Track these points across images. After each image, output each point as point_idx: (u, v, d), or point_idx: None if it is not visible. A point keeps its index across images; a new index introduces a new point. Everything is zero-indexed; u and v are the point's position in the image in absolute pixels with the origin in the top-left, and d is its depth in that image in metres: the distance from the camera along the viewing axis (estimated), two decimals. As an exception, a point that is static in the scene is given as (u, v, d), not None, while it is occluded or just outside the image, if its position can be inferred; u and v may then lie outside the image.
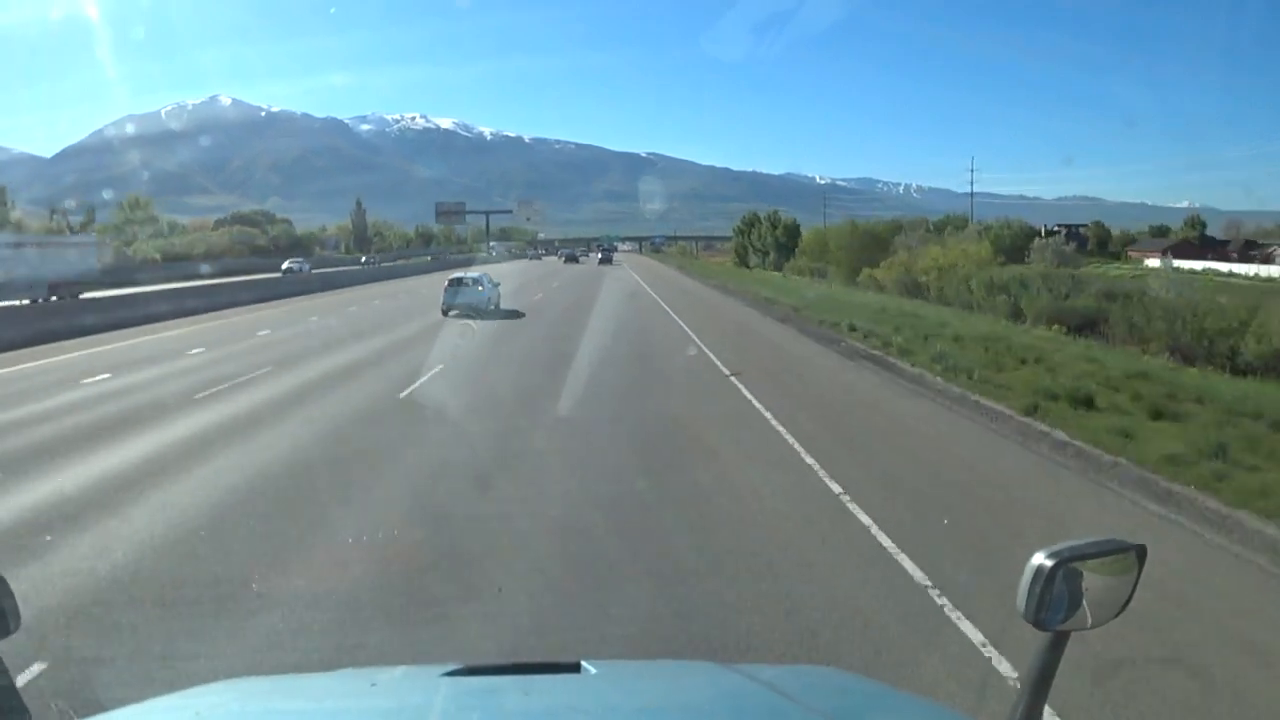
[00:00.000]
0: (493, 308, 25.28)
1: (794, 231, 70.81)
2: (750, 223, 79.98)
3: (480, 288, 25.30)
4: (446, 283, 25.47)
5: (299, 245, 78.94)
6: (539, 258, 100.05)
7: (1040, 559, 1.36)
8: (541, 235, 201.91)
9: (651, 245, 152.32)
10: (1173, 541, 6.22)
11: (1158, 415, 9.68)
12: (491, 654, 4.19)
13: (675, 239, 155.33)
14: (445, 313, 24.17)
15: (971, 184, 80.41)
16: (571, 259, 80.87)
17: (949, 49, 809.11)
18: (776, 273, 59.56)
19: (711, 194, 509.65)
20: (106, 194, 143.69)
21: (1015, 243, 52.58)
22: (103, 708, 1.61)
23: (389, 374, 13.71)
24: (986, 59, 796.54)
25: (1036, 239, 51.20)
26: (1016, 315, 24.41)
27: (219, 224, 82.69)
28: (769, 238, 71.81)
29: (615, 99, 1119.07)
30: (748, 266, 72.47)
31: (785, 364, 16.11)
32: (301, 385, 12.79)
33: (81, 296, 29.14)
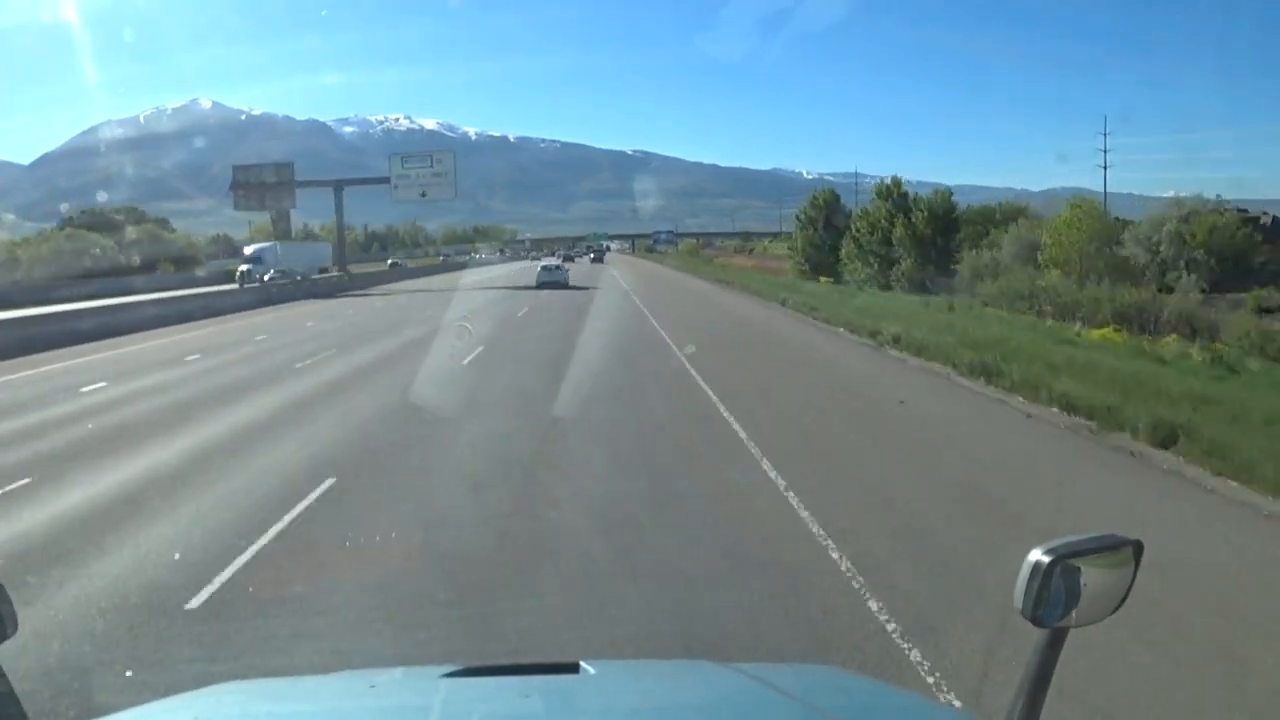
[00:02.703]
0: (567, 283, 41.00)
1: (948, 220, 40.37)
2: (825, 204, 49.49)
3: (560, 270, 43.56)
4: (539, 268, 44.31)
5: (183, 259, 57.72)
6: (536, 259, 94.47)
7: (1037, 555, 1.27)
8: (527, 235, 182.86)
9: (649, 244, 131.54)
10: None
11: None
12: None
13: (679, 235, 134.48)
14: (538, 287, 39.65)
15: (1105, 170, 57.08)
16: (568, 259, 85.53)
17: (933, 45, 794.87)
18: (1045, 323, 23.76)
19: (699, 190, 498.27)
20: (101, 196, 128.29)
21: (1235, 241, 28.94)
22: (102, 710, 1.59)
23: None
24: (975, 55, 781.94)
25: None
26: None
27: (66, 225, 60.20)
28: (900, 230, 40.46)
29: (600, 97, 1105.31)
30: (828, 279, 43.90)
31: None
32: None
33: None
